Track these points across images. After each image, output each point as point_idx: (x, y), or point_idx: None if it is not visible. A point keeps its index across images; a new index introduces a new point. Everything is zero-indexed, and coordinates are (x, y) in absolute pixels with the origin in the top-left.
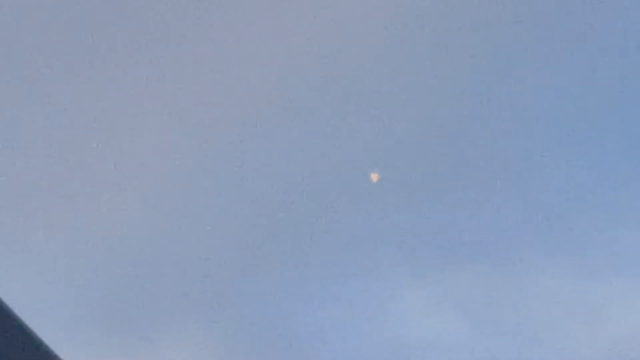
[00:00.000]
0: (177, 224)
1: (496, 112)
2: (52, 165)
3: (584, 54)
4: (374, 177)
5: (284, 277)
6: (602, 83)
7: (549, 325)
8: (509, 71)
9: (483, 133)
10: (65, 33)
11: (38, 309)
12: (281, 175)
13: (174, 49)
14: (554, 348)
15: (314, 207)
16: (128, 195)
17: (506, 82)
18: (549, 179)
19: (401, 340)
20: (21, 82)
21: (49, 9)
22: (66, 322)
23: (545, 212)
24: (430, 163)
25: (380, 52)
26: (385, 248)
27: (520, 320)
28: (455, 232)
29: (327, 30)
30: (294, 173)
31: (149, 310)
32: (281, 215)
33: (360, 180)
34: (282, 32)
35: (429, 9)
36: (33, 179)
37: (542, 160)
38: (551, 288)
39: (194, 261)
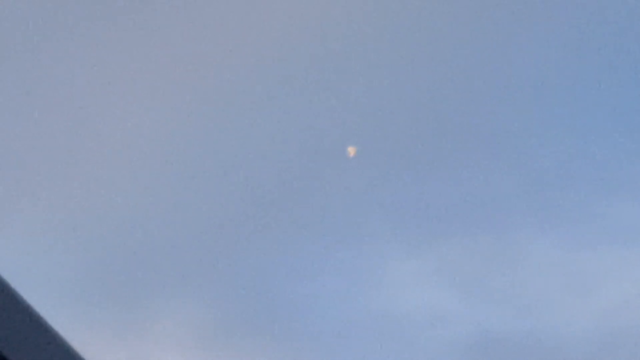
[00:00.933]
0: (170, 197)
1: (489, 81)
2: (44, 139)
3: (577, 19)
4: (351, 150)
5: (276, 248)
6: (600, 53)
7: (541, 295)
8: (503, 38)
9: (475, 103)
10: (39, 9)
11: (31, 282)
12: (272, 147)
13: (148, 32)
14: (545, 318)
15: (305, 179)
16: (120, 168)
17: (500, 50)
18: (541, 148)
19: (392, 311)
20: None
21: None
22: (59, 294)
23: (538, 182)
24: (422, 133)
25: (358, 23)
26: (376, 219)
27: (512, 291)
28: (447, 202)
29: (301, 6)
30: (284, 145)
31: (142, 281)
32: (273, 187)
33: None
34: (255, 10)
35: None
36: (26, 151)
37: (534, 129)
38: (543, 258)
39: (187, 233)
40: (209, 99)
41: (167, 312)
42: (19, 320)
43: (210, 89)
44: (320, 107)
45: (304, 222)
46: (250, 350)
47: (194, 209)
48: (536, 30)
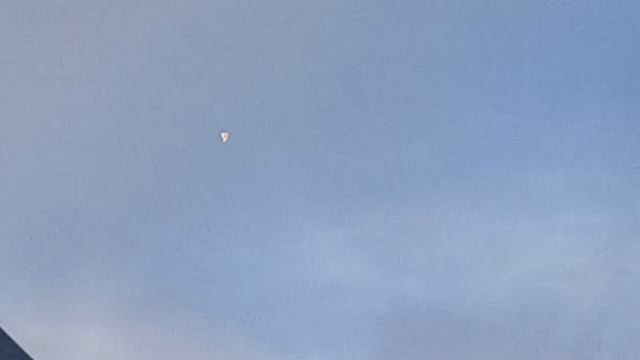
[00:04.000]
0: (94, 171)
1: (406, 53)
2: None
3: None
4: (224, 136)
5: (196, 222)
6: (520, 28)
7: (457, 265)
8: (420, 10)
9: (393, 75)
10: None
11: None
12: (188, 124)
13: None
14: (462, 288)
15: (222, 154)
16: (45, 144)
17: (417, 21)
18: (459, 122)
19: (312, 281)
20: None
21: None
22: None
23: (454, 154)
24: (341, 106)
25: None
26: (294, 191)
27: (429, 261)
28: (364, 174)
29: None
30: (200, 122)
31: (66, 254)
32: (192, 163)
33: (270, 124)
34: (136, 9)
35: None
36: None
37: (452, 102)
38: (459, 229)
39: (110, 207)
40: (127, 82)
41: (88, 283)
42: None
43: (125, 78)
44: (238, 83)
45: (223, 195)
46: (171, 320)
47: (117, 184)
48: (455, 2)
